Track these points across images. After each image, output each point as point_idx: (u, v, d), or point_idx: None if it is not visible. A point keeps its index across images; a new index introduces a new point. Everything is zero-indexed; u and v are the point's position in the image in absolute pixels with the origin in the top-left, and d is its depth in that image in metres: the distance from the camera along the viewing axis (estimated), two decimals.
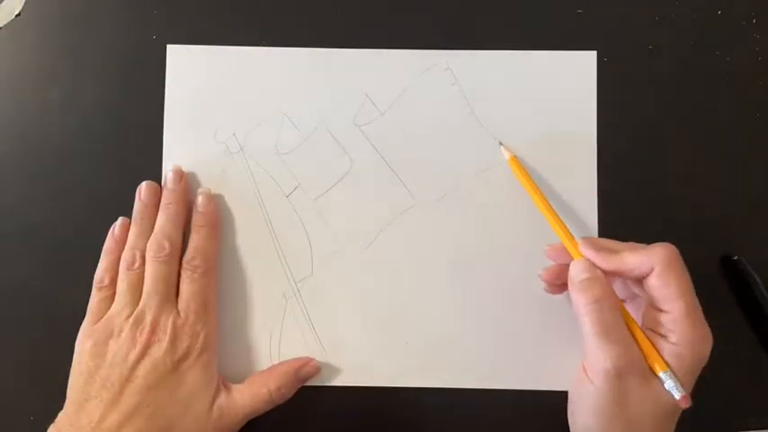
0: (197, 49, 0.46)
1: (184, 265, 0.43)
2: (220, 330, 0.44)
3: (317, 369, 0.44)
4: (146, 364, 0.40)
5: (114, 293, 0.43)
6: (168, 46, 0.46)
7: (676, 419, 0.39)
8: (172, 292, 0.42)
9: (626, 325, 0.39)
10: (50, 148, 0.46)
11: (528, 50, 0.46)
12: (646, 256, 0.39)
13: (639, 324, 0.40)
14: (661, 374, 0.37)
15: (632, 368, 0.37)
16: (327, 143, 0.46)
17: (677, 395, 0.37)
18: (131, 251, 0.43)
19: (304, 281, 0.45)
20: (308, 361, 0.44)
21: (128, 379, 0.40)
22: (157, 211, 0.44)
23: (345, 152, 0.46)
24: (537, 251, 0.44)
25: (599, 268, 0.40)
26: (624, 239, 0.44)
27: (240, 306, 0.45)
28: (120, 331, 0.41)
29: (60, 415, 0.40)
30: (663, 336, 0.38)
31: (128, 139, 0.46)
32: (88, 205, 0.45)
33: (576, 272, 0.40)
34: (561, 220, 0.42)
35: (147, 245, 0.43)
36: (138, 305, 0.42)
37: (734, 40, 0.47)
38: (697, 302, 0.39)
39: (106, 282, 0.43)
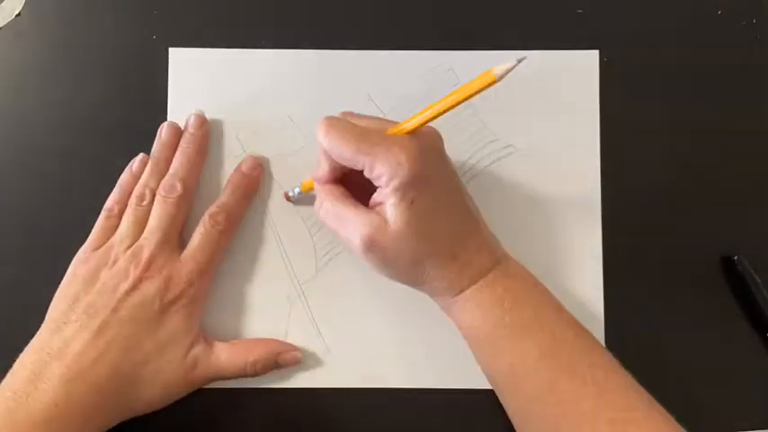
0: (199, 51, 0.46)
1: (206, 217, 0.43)
2: (224, 331, 0.44)
3: (297, 360, 0.44)
4: (134, 299, 0.40)
5: (117, 225, 0.43)
6: (170, 49, 0.46)
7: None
8: (175, 234, 0.42)
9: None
10: (51, 147, 0.46)
11: (530, 50, 0.46)
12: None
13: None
14: None
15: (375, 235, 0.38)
16: None
17: None
18: (143, 187, 0.43)
19: (308, 283, 0.45)
20: (291, 349, 0.44)
21: (114, 309, 0.40)
22: (172, 153, 0.44)
23: None
24: (539, 251, 0.44)
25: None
26: (625, 238, 0.45)
27: (244, 308, 0.45)
28: (115, 261, 0.41)
29: (33, 339, 0.40)
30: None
31: (129, 139, 0.46)
32: (88, 205, 0.45)
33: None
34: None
35: (161, 184, 0.43)
36: (138, 240, 0.42)
37: (734, 40, 0.47)
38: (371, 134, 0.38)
39: (115, 211, 0.43)
